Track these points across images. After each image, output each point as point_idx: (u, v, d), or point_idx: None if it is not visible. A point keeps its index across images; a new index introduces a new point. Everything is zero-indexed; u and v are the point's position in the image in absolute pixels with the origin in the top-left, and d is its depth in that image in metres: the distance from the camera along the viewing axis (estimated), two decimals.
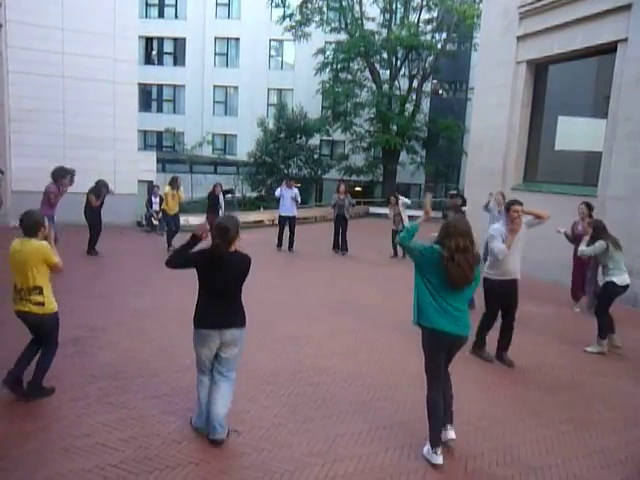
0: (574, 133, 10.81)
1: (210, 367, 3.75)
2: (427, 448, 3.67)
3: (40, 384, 4.21)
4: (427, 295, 3.58)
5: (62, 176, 8.97)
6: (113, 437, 3.71)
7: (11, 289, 4.18)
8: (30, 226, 4.12)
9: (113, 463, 3.41)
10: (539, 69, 10.99)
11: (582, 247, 6.34)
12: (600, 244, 6.01)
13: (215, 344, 3.63)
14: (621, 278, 6.03)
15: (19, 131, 13.10)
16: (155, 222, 14.39)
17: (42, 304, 4.09)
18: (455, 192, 11.74)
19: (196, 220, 14.96)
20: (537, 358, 5.91)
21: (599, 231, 6.11)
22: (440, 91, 32.32)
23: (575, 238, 7.52)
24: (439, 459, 3.58)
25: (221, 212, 12.21)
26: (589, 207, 7.61)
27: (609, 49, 9.19)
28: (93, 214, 10.34)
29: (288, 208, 12.21)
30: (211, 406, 3.69)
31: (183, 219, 15.21)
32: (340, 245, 12.38)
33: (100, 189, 10.38)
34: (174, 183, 11.73)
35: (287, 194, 12.18)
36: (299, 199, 12.44)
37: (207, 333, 3.61)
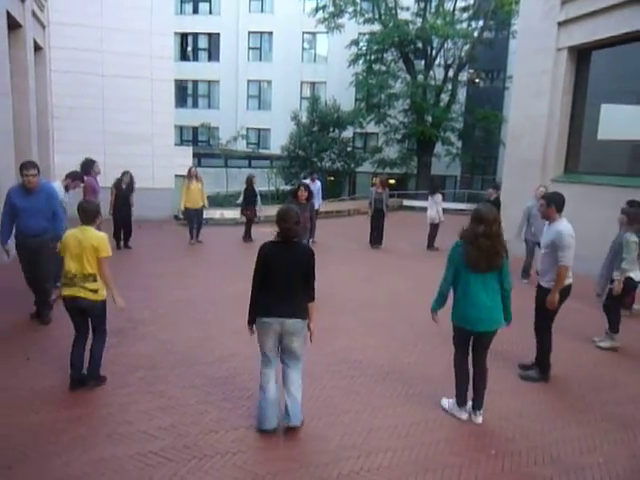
0: (618, 121, 10.37)
1: (273, 357, 3.79)
2: (451, 402, 4.24)
3: (98, 372, 4.39)
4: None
5: (90, 166, 9.29)
6: (153, 425, 3.83)
7: None
8: (91, 213, 4.32)
9: (154, 450, 3.52)
10: (581, 55, 10.61)
11: None
12: None
13: (275, 333, 3.68)
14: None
15: (61, 128, 13.53)
16: None
17: (96, 291, 4.24)
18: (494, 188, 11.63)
19: (231, 214, 15.17)
20: (577, 355, 5.75)
21: None
22: (477, 80, 31.59)
23: None
24: (463, 415, 4.15)
25: (258, 205, 12.34)
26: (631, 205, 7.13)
27: None
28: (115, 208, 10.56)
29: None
30: (285, 393, 3.81)
31: (218, 213, 15.49)
32: (375, 239, 12.33)
33: (119, 182, 10.59)
34: (189, 174, 11.50)
35: (312, 188, 12.34)
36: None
37: (267, 321, 3.66)
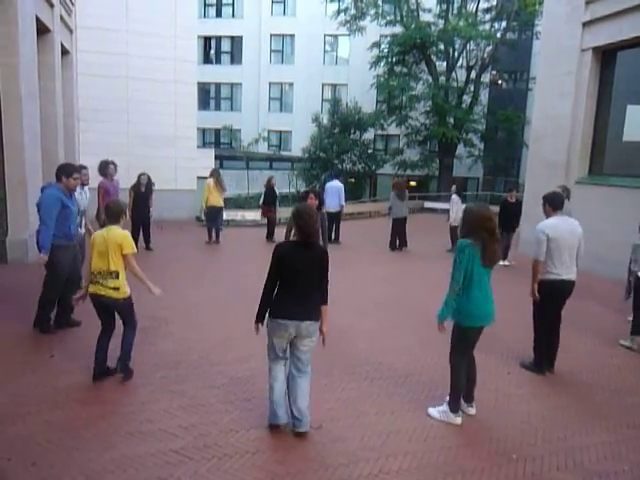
0: None
1: (283, 355, 3.77)
2: (441, 409, 4.13)
3: (128, 365, 4.51)
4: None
5: (105, 167, 9.24)
6: (174, 424, 3.87)
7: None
8: (116, 213, 4.44)
9: (174, 449, 3.56)
10: (606, 56, 10.41)
11: None
12: None
13: (289, 334, 3.64)
14: None
15: (86, 130, 13.78)
16: None
17: (117, 289, 4.34)
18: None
19: (252, 215, 15.31)
20: (601, 359, 5.65)
21: None
22: (499, 82, 31.24)
23: None
24: (459, 419, 4.08)
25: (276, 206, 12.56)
26: None
27: None
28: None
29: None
30: (293, 402, 3.74)
31: (239, 214, 15.63)
32: (391, 242, 12.31)
33: (137, 184, 10.48)
34: (214, 174, 11.71)
35: (337, 190, 12.77)
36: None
37: (283, 323, 3.61)
